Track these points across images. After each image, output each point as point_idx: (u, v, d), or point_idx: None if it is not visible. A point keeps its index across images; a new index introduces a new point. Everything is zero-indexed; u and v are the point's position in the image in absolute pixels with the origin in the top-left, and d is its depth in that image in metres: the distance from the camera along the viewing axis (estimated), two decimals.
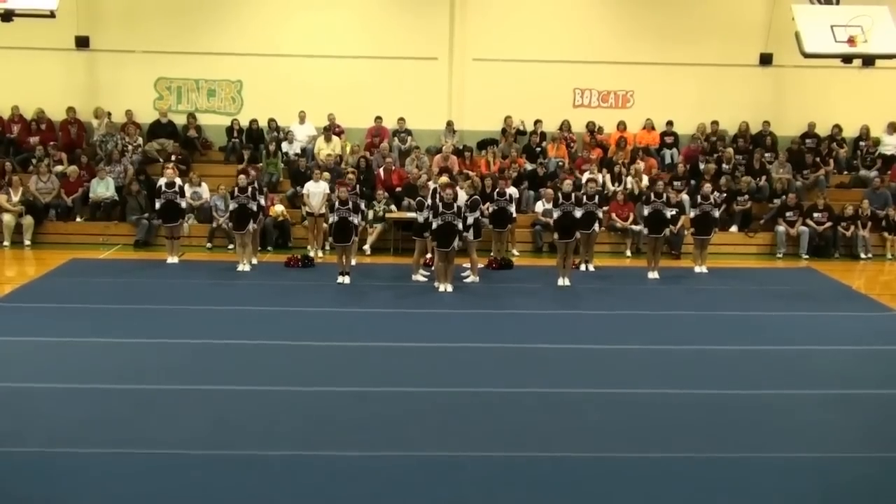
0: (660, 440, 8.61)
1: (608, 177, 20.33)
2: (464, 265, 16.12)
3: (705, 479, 7.74)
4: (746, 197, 20.18)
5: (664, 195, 16.78)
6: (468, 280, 15.68)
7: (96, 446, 8.11)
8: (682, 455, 8.20)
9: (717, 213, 17.19)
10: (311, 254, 17.76)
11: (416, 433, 8.71)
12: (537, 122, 21.66)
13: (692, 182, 20.48)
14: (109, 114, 21.34)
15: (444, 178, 16.80)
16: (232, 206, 16.88)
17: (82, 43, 21.45)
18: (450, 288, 15.01)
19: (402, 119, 21.68)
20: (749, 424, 9.12)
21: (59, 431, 8.44)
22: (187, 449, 8.11)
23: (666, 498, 7.37)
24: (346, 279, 15.41)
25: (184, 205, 17.40)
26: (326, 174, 18.82)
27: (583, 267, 17.23)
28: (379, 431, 8.70)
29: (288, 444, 8.33)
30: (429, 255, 16.26)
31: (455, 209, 14.83)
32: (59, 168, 20.06)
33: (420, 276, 15.70)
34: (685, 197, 20.09)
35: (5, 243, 18.62)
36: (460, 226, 14.98)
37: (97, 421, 8.77)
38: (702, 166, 20.61)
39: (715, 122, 22.17)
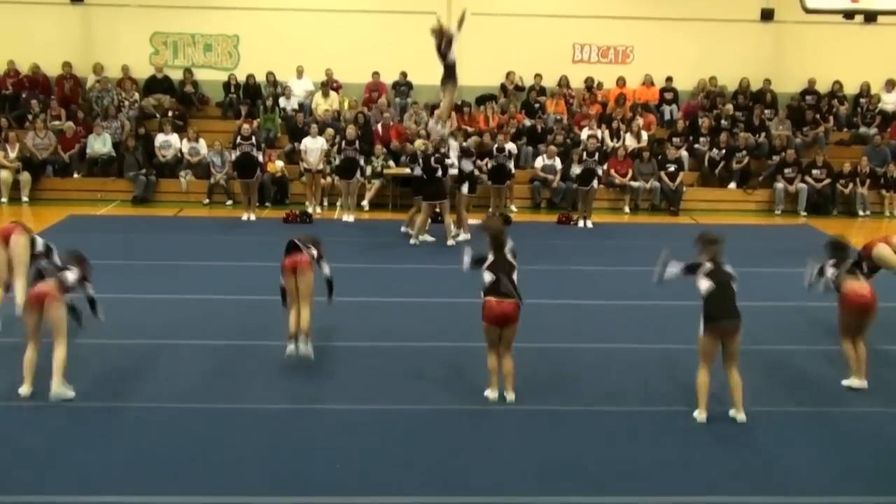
0: (656, 394, 8.68)
1: (607, 133, 20.27)
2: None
3: (702, 432, 7.80)
4: (745, 153, 20.13)
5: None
6: (460, 238, 15.46)
7: (97, 400, 8.16)
8: (679, 409, 8.26)
9: None
10: (310, 210, 17.75)
11: (415, 387, 8.77)
12: (537, 76, 21.54)
13: (691, 138, 20.47)
14: (102, 68, 21.17)
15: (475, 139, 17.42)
16: (235, 153, 17.07)
17: None
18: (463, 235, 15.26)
19: (404, 72, 21.56)
20: (745, 378, 9.17)
21: None
22: (188, 402, 8.17)
23: (663, 450, 7.44)
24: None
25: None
26: (330, 130, 18.76)
27: (581, 223, 17.25)
28: (377, 385, 8.77)
29: (287, 398, 8.39)
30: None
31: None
32: (55, 124, 19.95)
33: (427, 237, 15.57)
34: (684, 153, 20.08)
35: (3, 200, 18.59)
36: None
37: (98, 376, 8.80)
38: (700, 122, 20.57)
39: (713, 78, 22.05)
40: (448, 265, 13.88)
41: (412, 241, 15.27)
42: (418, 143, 16.16)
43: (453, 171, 15.52)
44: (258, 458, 7.16)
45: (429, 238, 15.51)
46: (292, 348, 9.02)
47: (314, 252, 9.46)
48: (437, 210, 15.43)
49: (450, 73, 15.16)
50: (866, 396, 8.72)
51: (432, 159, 15.09)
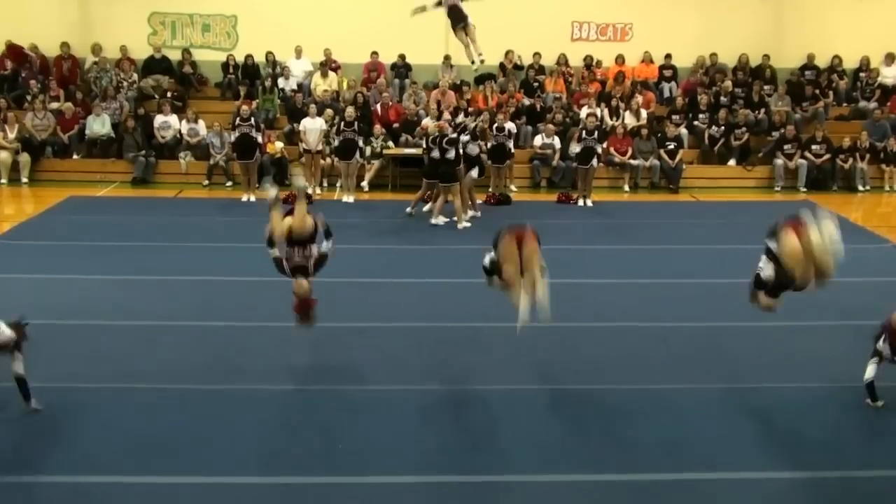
0: (659, 372, 8.72)
1: (606, 111, 20.23)
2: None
3: (704, 409, 7.84)
4: (744, 130, 20.09)
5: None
6: (468, 216, 15.49)
7: (98, 381, 8.20)
8: (681, 386, 8.31)
9: None
10: (310, 191, 17.71)
11: (417, 368, 8.81)
12: (535, 55, 21.47)
13: (690, 115, 20.44)
14: (100, 49, 21.13)
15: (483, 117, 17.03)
16: (234, 135, 17.06)
17: None
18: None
19: (402, 55, 21.48)
20: (747, 355, 9.23)
21: (60, 368, 8.51)
22: (189, 384, 8.21)
23: (666, 427, 7.49)
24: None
25: None
26: (329, 111, 18.70)
27: (581, 202, 17.26)
28: (380, 366, 8.80)
29: (289, 379, 8.42)
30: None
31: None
32: (54, 105, 19.92)
33: (441, 220, 15.43)
34: (683, 131, 20.05)
35: (2, 181, 18.57)
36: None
37: (99, 357, 8.85)
38: (699, 99, 20.52)
39: (714, 54, 21.97)
40: (450, 245, 13.96)
41: (432, 220, 15.30)
42: (431, 126, 16.09)
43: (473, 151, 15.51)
44: (260, 438, 7.21)
45: (442, 220, 15.47)
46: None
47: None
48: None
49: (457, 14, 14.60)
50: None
51: (444, 141, 15.05)
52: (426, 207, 15.57)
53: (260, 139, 17.33)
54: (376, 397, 8.00)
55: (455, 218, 15.30)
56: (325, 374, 8.63)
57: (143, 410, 7.64)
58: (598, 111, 19.50)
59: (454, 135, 15.41)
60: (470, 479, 6.69)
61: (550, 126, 19.29)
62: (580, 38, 22.18)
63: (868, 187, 19.53)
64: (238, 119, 17.13)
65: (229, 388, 8.12)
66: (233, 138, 17.44)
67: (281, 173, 18.96)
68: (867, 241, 14.63)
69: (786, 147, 19.58)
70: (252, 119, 17.19)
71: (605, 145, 18.41)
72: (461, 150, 15.49)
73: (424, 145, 15.88)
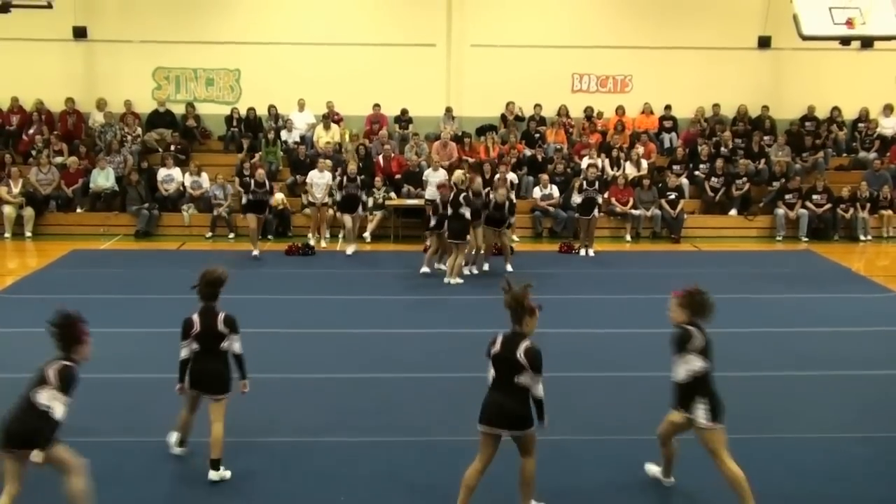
0: (659, 423, 8.65)
1: (607, 162, 20.35)
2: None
3: (706, 460, 7.78)
4: (745, 180, 20.18)
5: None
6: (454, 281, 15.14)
7: (101, 435, 8.16)
8: (682, 437, 8.24)
9: None
10: (312, 242, 17.78)
11: (418, 418, 8.78)
12: (536, 106, 21.67)
13: (691, 166, 20.55)
14: (105, 104, 21.37)
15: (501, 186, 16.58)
16: (248, 197, 16.73)
17: (80, 33, 21.45)
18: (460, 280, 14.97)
19: (405, 109, 21.68)
20: (749, 406, 9.17)
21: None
22: (193, 436, 8.16)
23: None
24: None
25: None
26: (328, 162, 18.81)
27: (583, 252, 17.29)
28: (382, 417, 8.77)
29: (292, 431, 8.39)
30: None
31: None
32: (59, 159, 20.07)
33: (427, 269, 15.34)
34: (684, 181, 20.14)
35: (6, 235, 18.65)
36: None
37: (102, 410, 8.82)
38: (700, 149, 20.65)
39: (717, 105, 22.16)
40: (451, 296, 13.96)
41: (447, 279, 14.90)
42: (458, 173, 15.91)
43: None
44: (264, 490, 7.16)
45: (427, 270, 15.38)
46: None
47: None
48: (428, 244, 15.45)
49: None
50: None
51: (460, 197, 14.90)
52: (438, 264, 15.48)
53: (271, 201, 17.30)
54: (377, 448, 7.97)
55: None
56: (329, 425, 8.59)
57: (148, 463, 7.61)
58: (598, 161, 19.62)
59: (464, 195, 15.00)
60: None
61: (544, 176, 19.42)
62: (581, 89, 22.43)
63: (869, 237, 19.55)
64: (253, 184, 16.79)
65: (233, 441, 8.07)
66: (245, 200, 16.99)
67: (283, 225, 19.07)
68: (869, 290, 14.65)
69: (787, 197, 19.65)
70: (266, 184, 16.99)
71: (606, 195, 18.49)
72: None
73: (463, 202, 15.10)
